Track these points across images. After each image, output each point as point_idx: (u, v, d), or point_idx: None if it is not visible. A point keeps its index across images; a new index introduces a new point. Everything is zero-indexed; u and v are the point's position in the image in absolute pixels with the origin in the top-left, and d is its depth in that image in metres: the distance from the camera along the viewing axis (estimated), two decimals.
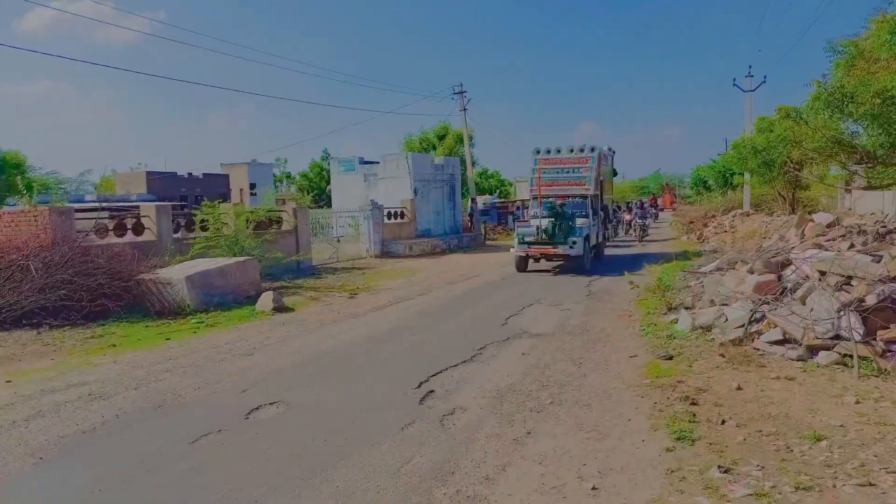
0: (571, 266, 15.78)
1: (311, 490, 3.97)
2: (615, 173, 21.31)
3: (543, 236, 15.05)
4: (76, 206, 16.76)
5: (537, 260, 16.20)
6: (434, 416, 5.29)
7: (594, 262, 16.79)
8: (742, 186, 29.26)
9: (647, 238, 26.34)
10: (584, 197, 16.58)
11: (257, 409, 5.60)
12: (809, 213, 17.25)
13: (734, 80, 31.04)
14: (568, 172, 16.81)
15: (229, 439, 4.89)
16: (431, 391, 5.99)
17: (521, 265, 16.02)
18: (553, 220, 15.13)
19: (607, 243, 22.13)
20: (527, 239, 15.44)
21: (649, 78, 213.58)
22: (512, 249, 16.14)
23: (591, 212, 16.39)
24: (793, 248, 9.86)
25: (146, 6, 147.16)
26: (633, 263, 13.44)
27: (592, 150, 16.86)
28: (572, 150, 16.95)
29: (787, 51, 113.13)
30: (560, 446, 4.55)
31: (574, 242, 14.92)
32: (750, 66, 35.87)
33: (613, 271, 15.16)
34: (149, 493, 4.00)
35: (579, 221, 15.59)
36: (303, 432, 4.99)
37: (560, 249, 15.07)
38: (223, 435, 4.98)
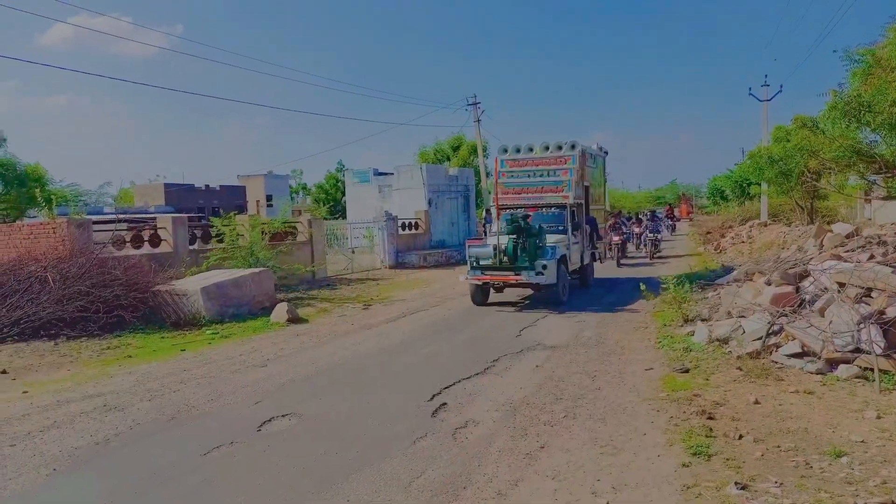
0: (543, 297, 12.22)
1: None
2: (605, 179, 17.40)
3: (503, 259, 11.43)
4: (94, 217, 16.99)
5: (499, 289, 12.56)
6: (446, 429, 5.26)
7: (578, 291, 13.49)
8: (759, 196, 28.96)
9: (658, 254, 22.69)
10: (563, 207, 12.89)
11: (270, 421, 5.60)
12: (828, 223, 17.01)
13: (749, 89, 30.73)
14: (542, 176, 13.21)
15: (241, 452, 4.89)
16: (444, 404, 5.96)
17: (478, 297, 12.25)
18: (515, 237, 11.38)
19: (622, 261, 20.11)
20: (482, 262, 11.78)
21: (665, 84, 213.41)
22: (462, 277, 12.44)
23: (570, 226, 12.74)
24: (811, 258, 9.71)
25: (165, 21, 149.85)
26: (629, 293, 11.40)
27: (573, 147, 13.12)
28: (547, 148, 13.24)
29: (804, 59, 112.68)
30: (574, 461, 4.49)
31: (543, 267, 11.27)
32: (766, 76, 36.00)
33: (596, 304, 12.02)
34: None
35: (552, 239, 11.96)
36: (314, 445, 4.97)
37: (523, 277, 11.33)
38: (235, 447, 4.98)
